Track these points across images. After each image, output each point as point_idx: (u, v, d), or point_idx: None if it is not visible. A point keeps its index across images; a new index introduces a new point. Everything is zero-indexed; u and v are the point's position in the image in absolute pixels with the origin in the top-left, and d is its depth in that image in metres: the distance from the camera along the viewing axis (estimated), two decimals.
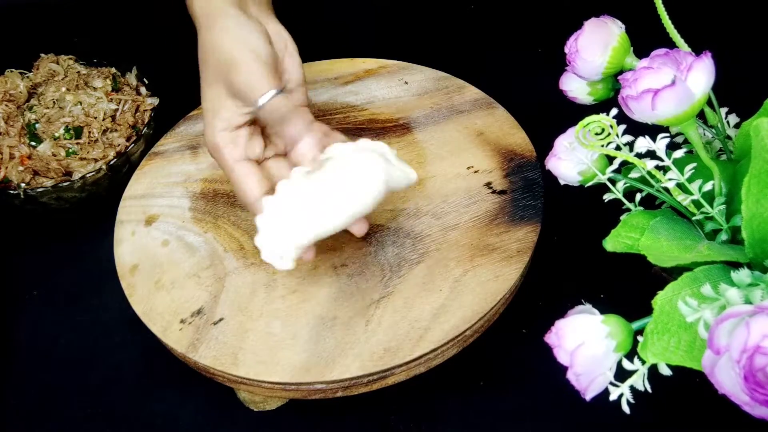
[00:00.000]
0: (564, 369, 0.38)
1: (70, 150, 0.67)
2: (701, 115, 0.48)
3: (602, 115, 0.43)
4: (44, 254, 0.67)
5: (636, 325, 0.39)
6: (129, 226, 0.60)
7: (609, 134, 0.44)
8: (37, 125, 0.69)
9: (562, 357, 0.39)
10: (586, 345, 0.38)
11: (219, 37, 0.50)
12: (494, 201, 0.57)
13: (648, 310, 0.38)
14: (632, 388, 0.38)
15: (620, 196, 0.46)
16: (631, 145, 0.44)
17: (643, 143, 0.43)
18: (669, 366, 0.37)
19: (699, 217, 0.44)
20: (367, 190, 0.48)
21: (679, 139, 0.51)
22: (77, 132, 0.68)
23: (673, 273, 0.42)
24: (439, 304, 0.51)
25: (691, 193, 0.43)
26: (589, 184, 0.47)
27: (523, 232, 0.54)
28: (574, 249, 0.60)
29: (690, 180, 0.43)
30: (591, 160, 0.46)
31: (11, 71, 0.73)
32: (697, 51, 0.42)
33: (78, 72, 0.73)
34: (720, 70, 0.42)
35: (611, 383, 0.39)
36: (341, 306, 0.52)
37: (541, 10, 0.83)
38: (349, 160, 0.48)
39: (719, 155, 0.50)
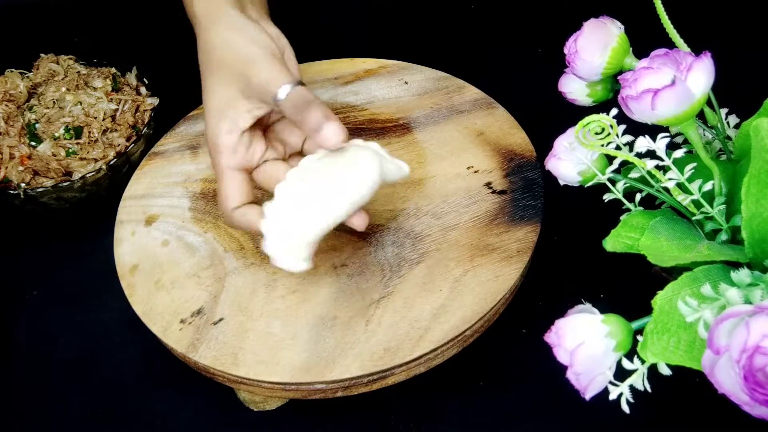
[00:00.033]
0: (564, 369, 0.38)
1: (70, 150, 0.67)
2: (701, 115, 0.48)
3: (602, 115, 0.43)
4: (44, 254, 0.67)
5: (636, 324, 0.39)
6: (129, 226, 0.60)
7: (609, 134, 0.44)
8: (37, 125, 0.69)
9: (561, 356, 0.39)
10: (586, 344, 0.38)
11: (230, 37, 0.50)
12: (494, 201, 0.57)
13: (648, 310, 0.38)
14: (632, 388, 0.39)
15: (620, 196, 0.46)
16: (631, 145, 0.44)
17: (643, 143, 0.43)
18: (669, 366, 0.37)
19: (699, 217, 0.44)
20: (362, 178, 0.48)
21: (679, 139, 0.51)
22: (77, 132, 0.68)
23: (673, 273, 0.42)
24: (439, 304, 0.51)
25: (691, 193, 0.43)
26: (589, 184, 0.47)
27: (523, 232, 0.54)
28: (574, 249, 0.60)
29: (690, 180, 0.43)
30: (591, 160, 0.46)
31: (11, 71, 0.73)
32: (697, 51, 0.42)
33: (78, 72, 0.73)
34: (720, 70, 0.42)
35: (611, 383, 0.39)
36: (341, 306, 0.52)
37: (541, 10, 0.83)
38: (341, 152, 0.49)
39: (719, 155, 0.50)
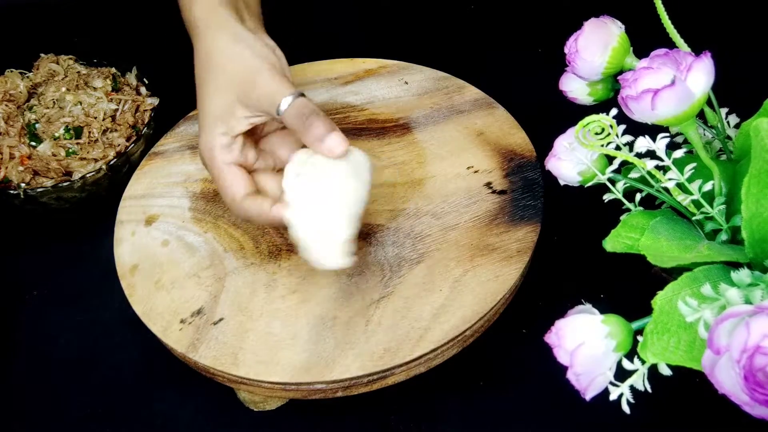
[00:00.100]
0: (564, 369, 0.38)
1: (70, 150, 0.67)
2: (701, 115, 0.48)
3: (602, 115, 0.43)
4: (44, 254, 0.67)
5: (636, 325, 0.39)
6: (129, 226, 0.60)
7: (609, 134, 0.44)
8: (37, 125, 0.69)
9: (562, 357, 0.39)
10: (586, 345, 0.38)
11: (230, 46, 0.51)
12: (494, 201, 0.57)
13: (648, 310, 0.38)
14: (632, 388, 0.38)
15: (620, 196, 0.46)
16: (631, 145, 0.44)
17: (643, 143, 0.43)
18: (669, 366, 0.37)
19: (699, 217, 0.44)
20: (362, 162, 0.50)
21: (679, 139, 0.51)
22: (77, 132, 0.68)
23: (673, 273, 0.42)
24: (439, 304, 0.51)
25: (691, 193, 0.43)
26: (589, 184, 0.47)
27: (523, 232, 0.54)
28: (574, 249, 0.60)
29: (690, 180, 0.43)
30: (591, 160, 0.46)
31: (11, 71, 0.73)
32: (697, 51, 0.42)
33: (78, 72, 0.73)
34: (720, 70, 0.42)
35: (611, 383, 0.39)
36: (341, 306, 0.52)
37: (541, 10, 0.83)
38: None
39: (719, 155, 0.50)
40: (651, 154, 0.43)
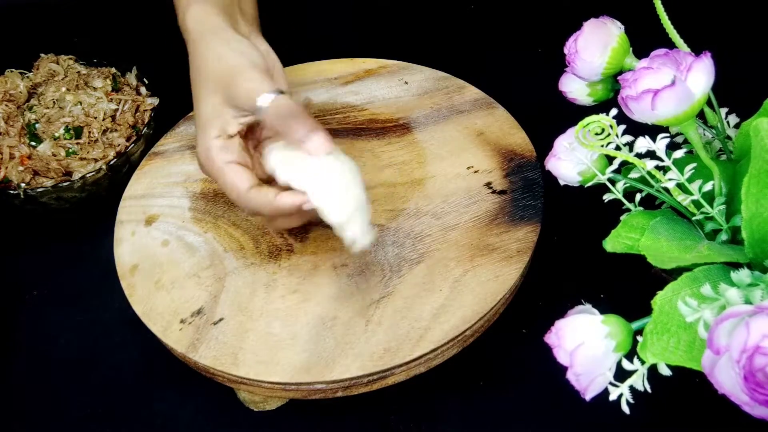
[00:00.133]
0: (564, 369, 0.38)
1: (70, 150, 0.67)
2: (701, 115, 0.48)
3: (602, 115, 0.43)
4: (44, 254, 0.67)
5: (636, 325, 0.39)
6: (129, 226, 0.60)
7: (609, 134, 0.44)
8: (37, 125, 0.69)
9: (562, 357, 0.39)
10: (586, 345, 0.38)
11: (218, 50, 0.51)
12: (494, 201, 0.57)
13: (648, 310, 0.38)
14: (632, 388, 0.39)
15: (620, 196, 0.46)
16: (630, 145, 0.44)
17: (642, 143, 0.43)
18: (669, 366, 0.37)
19: (699, 217, 0.44)
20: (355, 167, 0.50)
21: (679, 139, 0.51)
22: (77, 132, 0.68)
23: (673, 273, 0.42)
24: (439, 304, 0.51)
25: (691, 193, 0.43)
26: (589, 184, 0.47)
27: (523, 232, 0.54)
28: (574, 249, 0.60)
29: (690, 180, 0.43)
30: (591, 161, 0.46)
31: (11, 71, 0.73)
32: (697, 51, 0.42)
33: (78, 72, 0.73)
34: (720, 70, 0.42)
35: (611, 383, 0.39)
36: (341, 306, 0.52)
37: (541, 10, 0.83)
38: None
39: (719, 155, 0.50)
40: (651, 154, 0.43)
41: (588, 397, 0.39)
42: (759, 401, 0.32)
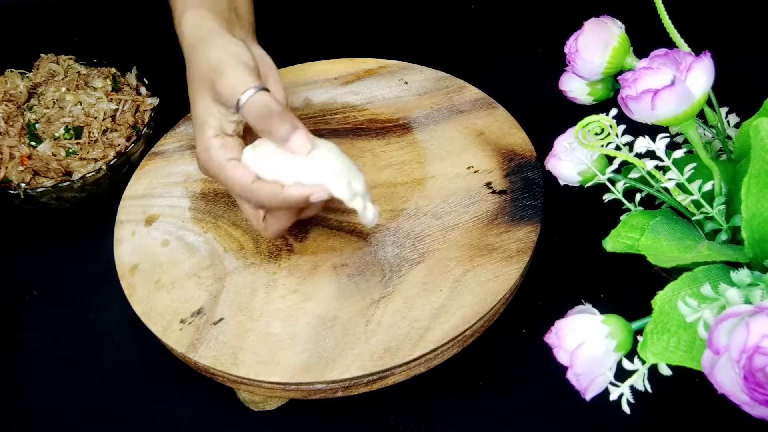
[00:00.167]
0: (564, 369, 0.38)
1: (70, 150, 0.67)
2: (701, 115, 0.48)
3: (602, 115, 0.43)
4: (44, 254, 0.67)
5: (636, 325, 0.39)
6: (129, 226, 0.60)
7: (609, 134, 0.44)
8: (37, 125, 0.69)
9: (562, 357, 0.39)
10: (586, 345, 0.38)
11: (209, 51, 0.51)
12: (494, 201, 0.57)
13: (648, 310, 0.38)
14: (632, 388, 0.39)
15: (620, 196, 0.46)
16: (630, 145, 0.44)
17: (642, 143, 0.43)
18: (669, 366, 0.37)
19: (699, 217, 0.44)
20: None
21: (679, 139, 0.51)
22: (77, 132, 0.68)
23: (673, 273, 0.42)
24: (439, 304, 0.51)
25: (691, 193, 0.43)
26: (589, 184, 0.47)
27: (523, 232, 0.54)
28: (574, 249, 0.60)
29: (690, 180, 0.43)
30: (591, 161, 0.46)
31: (11, 71, 0.73)
32: (697, 51, 0.42)
33: (78, 72, 0.73)
34: (720, 70, 0.42)
35: (611, 383, 0.39)
36: (341, 306, 0.52)
37: (541, 10, 0.83)
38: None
39: (719, 155, 0.50)
40: (651, 154, 0.43)
41: (588, 397, 0.39)
42: (759, 401, 0.32)
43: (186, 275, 0.55)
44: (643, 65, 0.43)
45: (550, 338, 0.39)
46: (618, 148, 0.44)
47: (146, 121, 0.70)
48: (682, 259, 0.39)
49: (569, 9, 0.68)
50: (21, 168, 0.66)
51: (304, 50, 0.75)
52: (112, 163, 0.66)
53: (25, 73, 0.73)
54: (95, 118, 0.69)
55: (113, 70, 0.74)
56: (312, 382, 0.48)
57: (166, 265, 0.56)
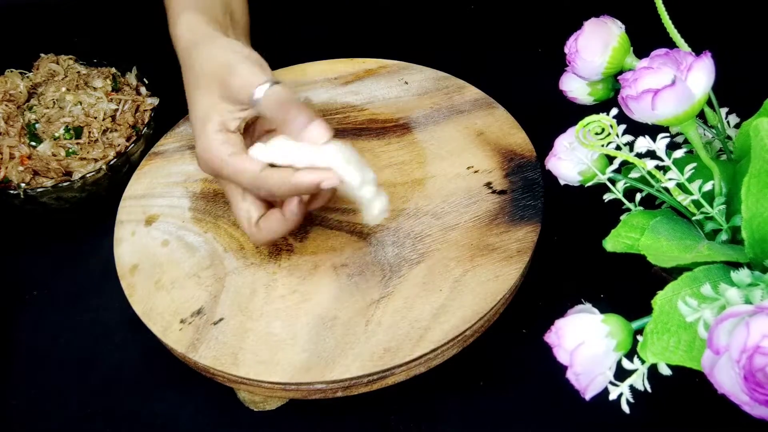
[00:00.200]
0: (564, 369, 0.38)
1: (70, 150, 0.67)
2: (701, 115, 0.48)
3: (602, 115, 0.43)
4: (44, 254, 0.67)
5: (636, 324, 0.39)
6: (129, 226, 0.60)
7: (609, 134, 0.44)
8: (37, 125, 0.69)
9: (562, 356, 0.39)
10: (586, 344, 0.38)
11: (212, 51, 0.52)
12: (494, 201, 0.57)
13: (648, 310, 0.38)
14: (632, 388, 0.39)
15: (620, 196, 0.46)
16: (631, 145, 0.44)
17: (643, 143, 0.43)
18: (669, 366, 0.37)
19: (699, 217, 0.44)
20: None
21: (679, 139, 0.51)
22: (77, 132, 0.68)
23: (673, 273, 0.42)
24: (439, 304, 0.51)
25: (691, 193, 0.43)
26: (589, 184, 0.47)
27: (523, 232, 0.54)
28: (574, 249, 0.60)
29: (690, 180, 0.43)
30: (591, 160, 0.46)
31: (11, 71, 0.73)
32: (697, 51, 0.42)
33: (78, 72, 0.73)
34: (720, 70, 0.42)
35: (611, 383, 0.39)
36: (341, 306, 0.52)
37: (541, 10, 0.83)
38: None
39: (719, 155, 0.50)
40: (651, 154, 0.43)
41: (588, 396, 0.39)
42: (759, 401, 0.32)
43: (186, 275, 0.55)
44: (644, 65, 0.43)
45: (550, 338, 0.39)
46: (618, 147, 0.44)
47: (146, 121, 0.70)
48: (682, 259, 0.39)
49: (569, 9, 0.68)
50: (21, 168, 0.66)
51: (304, 50, 0.75)
52: (112, 163, 0.66)
53: (25, 73, 0.73)
54: (95, 118, 0.69)
55: (113, 70, 0.74)
56: (312, 382, 0.48)
57: (166, 265, 0.56)
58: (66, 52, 0.75)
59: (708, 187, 0.43)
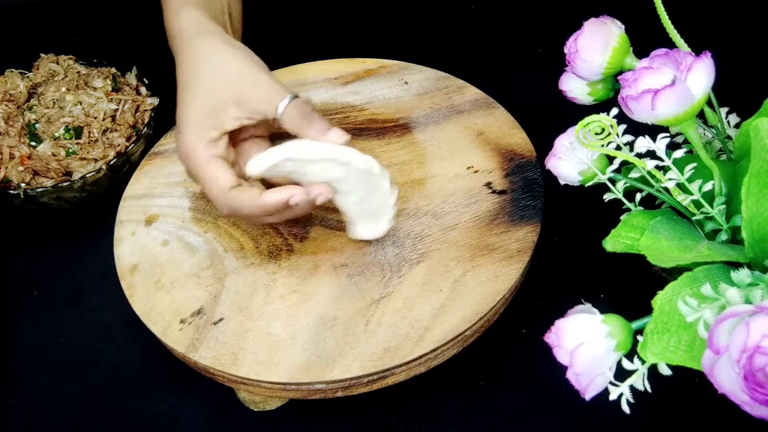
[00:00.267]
0: (564, 369, 0.38)
1: (70, 150, 0.67)
2: (701, 115, 0.48)
3: (602, 115, 0.43)
4: (44, 254, 0.67)
5: (636, 324, 0.39)
6: (129, 226, 0.60)
7: (609, 134, 0.44)
8: (37, 125, 0.69)
9: (561, 357, 0.39)
10: (586, 344, 0.38)
11: (222, 49, 0.53)
12: (494, 201, 0.57)
13: (648, 310, 0.38)
14: (632, 388, 0.39)
15: (620, 196, 0.46)
16: (631, 145, 0.44)
17: (643, 143, 0.43)
18: (669, 366, 0.37)
19: (699, 217, 0.44)
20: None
21: (679, 139, 0.51)
22: (77, 132, 0.68)
23: (673, 273, 0.42)
24: (439, 304, 0.51)
25: (691, 193, 0.43)
26: (589, 184, 0.47)
27: (523, 232, 0.54)
28: (574, 249, 0.60)
29: (690, 180, 0.43)
30: (591, 160, 0.46)
31: (11, 71, 0.73)
32: (697, 51, 0.42)
33: (78, 72, 0.73)
34: (720, 70, 0.42)
35: (611, 383, 0.39)
36: (341, 306, 0.52)
37: (541, 10, 0.83)
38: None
39: (719, 155, 0.50)
40: (651, 154, 0.43)
41: (588, 396, 0.39)
42: (759, 401, 0.32)
43: (186, 275, 0.55)
44: (644, 65, 0.43)
45: (550, 338, 0.39)
46: (618, 147, 0.44)
47: (146, 121, 0.70)
48: (682, 259, 0.39)
49: (569, 9, 0.68)
50: (21, 168, 0.66)
51: (304, 50, 0.75)
52: (112, 163, 0.66)
53: (25, 73, 0.73)
54: (95, 118, 0.69)
55: (113, 70, 0.74)
56: (312, 382, 0.48)
57: (166, 265, 0.56)
58: (66, 52, 0.75)
59: (708, 187, 0.43)
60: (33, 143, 0.68)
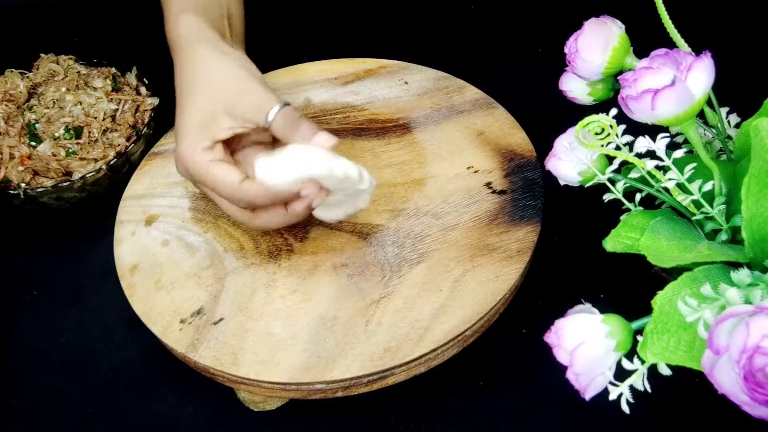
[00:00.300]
0: (564, 369, 0.38)
1: (70, 150, 0.67)
2: (701, 115, 0.48)
3: (602, 115, 0.43)
4: (44, 254, 0.67)
5: (636, 324, 0.39)
6: (129, 226, 0.60)
7: (609, 134, 0.44)
8: (37, 125, 0.69)
9: (561, 356, 0.39)
10: (586, 344, 0.38)
11: (217, 61, 0.53)
12: (494, 201, 0.57)
13: (648, 310, 0.38)
14: (632, 388, 0.39)
15: (620, 196, 0.46)
16: (631, 145, 0.44)
17: (643, 143, 0.43)
18: (669, 366, 0.37)
19: (699, 217, 0.44)
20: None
21: (679, 139, 0.51)
22: (77, 132, 0.68)
23: (673, 273, 0.42)
24: (439, 304, 0.51)
25: (691, 193, 0.43)
26: (589, 184, 0.47)
27: (523, 232, 0.54)
28: (574, 249, 0.60)
29: (690, 180, 0.43)
30: (591, 160, 0.46)
31: (11, 71, 0.73)
32: (697, 51, 0.42)
33: (78, 72, 0.73)
34: (720, 70, 0.42)
35: (611, 383, 0.39)
36: (341, 306, 0.52)
37: (541, 10, 0.83)
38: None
39: (719, 155, 0.50)
40: (651, 154, 0.43)
41: (588, 396, 0.39)
42: (759, 401, 0.32)
43: (186, 275, 0.55)
44: (644, 65, 0.43)
45: (550, 338, 0.39)
46: (618, 147, 0.44)
47: (146, 121, 0.70)
48: (682, 259, 0.39)
49: (569, 9, 0.68)
50: (21, 168, 0.66)
51: (304, 50, 0.75)
52: (112, 163, 0.66)
53: (25, 73, 0.73)
54: (95, 118, 0.69)
55: (113, 70, 0.74)
56: (312, 382, 0.48)
57: (166, 265, 0.56)
58: (66, 52, 0.75)
59: (708, 187, 0.43)
60: (33, 143, 0.68)
